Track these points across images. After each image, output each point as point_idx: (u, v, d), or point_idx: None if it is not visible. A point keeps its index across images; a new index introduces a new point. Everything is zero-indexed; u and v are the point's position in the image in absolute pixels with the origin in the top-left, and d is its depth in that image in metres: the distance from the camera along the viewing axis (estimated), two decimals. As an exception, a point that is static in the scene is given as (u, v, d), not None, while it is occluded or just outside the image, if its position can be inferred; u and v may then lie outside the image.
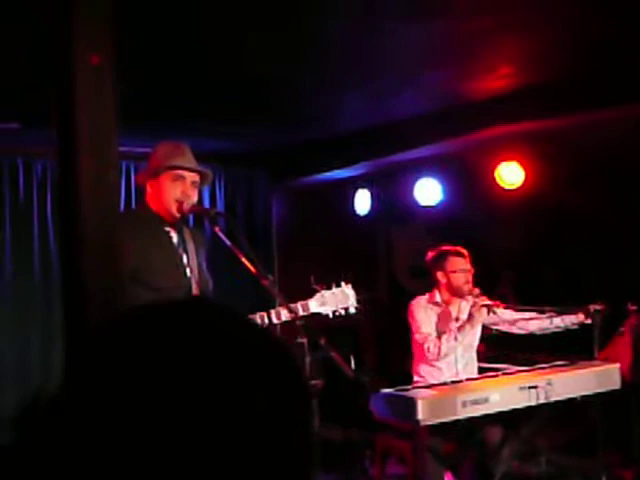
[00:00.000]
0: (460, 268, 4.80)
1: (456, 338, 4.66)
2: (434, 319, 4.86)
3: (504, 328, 4.97)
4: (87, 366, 0.78)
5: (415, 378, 4.87)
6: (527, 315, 4.91)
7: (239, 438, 0.72)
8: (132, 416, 0.71)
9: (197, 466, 0.70)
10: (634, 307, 4.76)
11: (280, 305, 3.45)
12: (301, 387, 0.81)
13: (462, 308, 4.88)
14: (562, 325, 4.79)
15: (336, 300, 3.72)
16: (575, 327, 4.74)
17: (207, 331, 0.78)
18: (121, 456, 0.70)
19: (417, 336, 4.82)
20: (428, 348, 4.73)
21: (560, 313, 4.74)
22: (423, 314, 4.84)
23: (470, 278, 4.81)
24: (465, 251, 4.86)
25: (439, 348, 4.69)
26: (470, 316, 4.65)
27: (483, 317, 4.72)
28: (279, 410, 0.76)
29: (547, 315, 4.82)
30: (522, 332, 4.95)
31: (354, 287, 3.85)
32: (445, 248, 4.90)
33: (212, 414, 0.72)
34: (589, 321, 4.62)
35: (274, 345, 0.82)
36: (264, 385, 0.76)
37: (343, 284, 3.77)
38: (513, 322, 4.93)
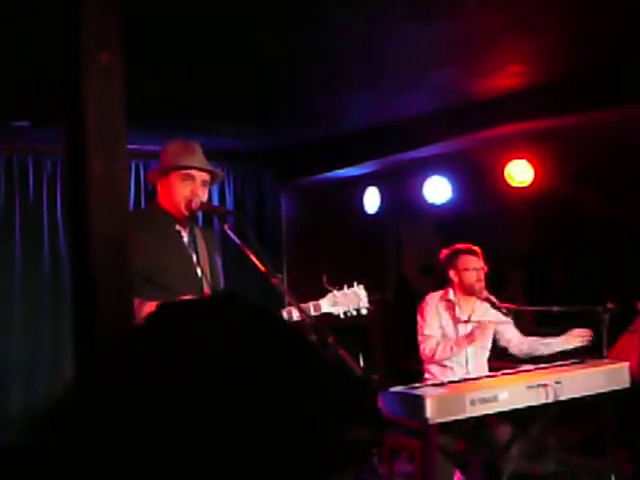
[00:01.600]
0: (472, 266, 4.81)
1: (452, 349, 4.70)
2: (444, 316, 4.89)
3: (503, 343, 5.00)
4: (117, 363, 0.78)
5: (425, 376, 4.89)
6: (524, 339, 4.94)
7: (263, 442, 0.72)
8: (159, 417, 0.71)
9: (228, 464, 0.70)
10: (643, 305, 4.76)
11: (290, 304, 3.45)
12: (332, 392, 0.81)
13: (476, 308, 4.89)
14: (549, 351, 4.82)
15: (348, 301, 3.72)
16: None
17: (241, 331, 0.78)
18: (144, 456, 0.70)
19: (419, 337, 4.89)
20: (424, 349, 4.83)
21: (568, 312, 4.73)
22: (433, 315, 4.88)
23: (482, 276, 4.82)
24: (478, 249, 4.88)
25: (433, 353, 4.78)
26: (471, 334, 4.69)
27: (486, 337, 4.77)
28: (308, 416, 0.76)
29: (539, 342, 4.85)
30: (516, 352, 4.97)
31: (366, 287, 3.85)
32: (458, 246, 4.93)
33: (244, 418, 0.72)
34: (577, 343, 4.66)
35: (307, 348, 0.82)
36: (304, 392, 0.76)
37: (355, 284, 3.77)
38: (509, 341, 4.96)
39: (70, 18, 2.03)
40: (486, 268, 4.87)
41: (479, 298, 4.86)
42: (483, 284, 4.81)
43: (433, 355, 4.78)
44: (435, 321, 4.88)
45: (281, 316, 3.19)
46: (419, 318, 4.92)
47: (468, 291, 4.85)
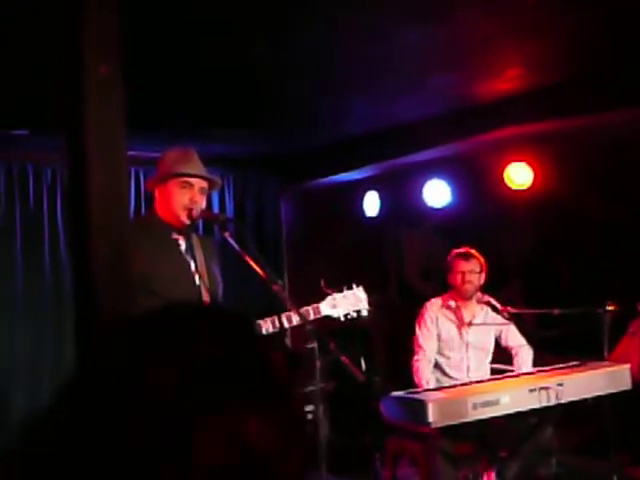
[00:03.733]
0: (460, 269, 4.90)
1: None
2: (445, 324, 4.94)
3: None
4: (93, 370, 0.79)
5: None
6: (515, 352, 5.02)
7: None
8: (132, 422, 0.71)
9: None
10: (644, 307, 4.76)
11: (290, 310, 3.46)
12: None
13: (476, 313, 4.93)
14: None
15: (348, 303, 3.73)
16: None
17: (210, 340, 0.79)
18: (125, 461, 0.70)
19: (415, 347, 5.00)
20: (413, 360, 4.95)
21: (569, 315, 4.74)
22: (430, 324, 4.94)
23: (472, 279, 4.87)
24: (474, 253, 4.93)
25: (416, 369, 4.90)
26: None
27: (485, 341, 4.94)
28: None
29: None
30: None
31: (365, 289, 3.86)
32: (455, 251, 4.99)
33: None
34: None
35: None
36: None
37: (355, 287, 3.78)
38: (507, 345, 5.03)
39: (70, 28, 2.04)
40: (483, 272, 4.91)
41: (479, 302, 4.90)
42: (470, 287, 4.88)
43: (416, 370, 4.91)
44: (432, 332, 4.95)
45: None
46: (416, 327, 5.01)
47: (459, 294, 4.91)
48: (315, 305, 3.64)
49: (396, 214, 7.40)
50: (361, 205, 7.26)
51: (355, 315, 3.75)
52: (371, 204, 7.23)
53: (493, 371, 4.99)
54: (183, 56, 4.15)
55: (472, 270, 4.88)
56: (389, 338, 7.35)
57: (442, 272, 5.13)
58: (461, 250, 4.99)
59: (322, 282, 3.72)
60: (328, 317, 3.68)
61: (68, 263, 6.31)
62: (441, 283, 5.34)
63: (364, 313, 3.79)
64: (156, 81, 4.47)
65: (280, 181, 7.48)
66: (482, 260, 4.94)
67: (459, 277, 4.90)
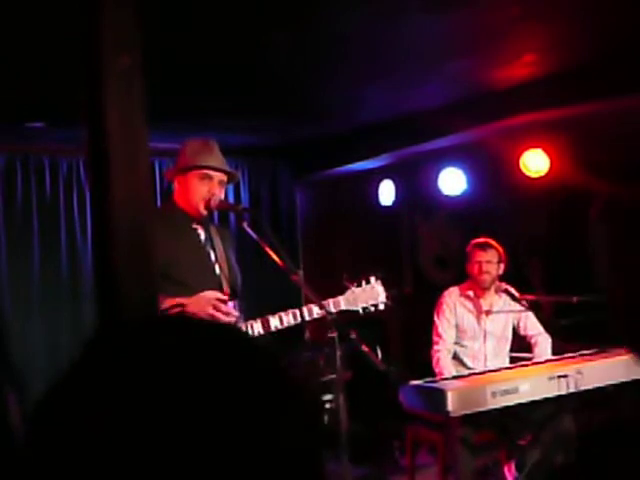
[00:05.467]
0: (477, 260, 4.90)
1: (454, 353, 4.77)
2: (463, 312, 4.93)
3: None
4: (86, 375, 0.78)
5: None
6: (534, 340, 4.99)
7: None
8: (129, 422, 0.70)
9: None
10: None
11: (310, 300, 3.46)
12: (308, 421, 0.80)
13: (494, 302, 4.93)
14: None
15: (366, 297, 3.73)
16: None
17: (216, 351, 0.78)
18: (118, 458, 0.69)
19: (434, 336, 4.99)
20: (433, 350, 4.93)
21: (587, 302, 4.72)
22: (449, 314, 4.94)
23: (489, 269, 4.86)
24: (493, 243, 4.92)
25: (436, 359, 4.89)
26: None
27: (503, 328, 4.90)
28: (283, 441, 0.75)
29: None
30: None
31: (380, 279, 3.86)
32: (474, 241, 4.98)
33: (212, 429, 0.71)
34: None
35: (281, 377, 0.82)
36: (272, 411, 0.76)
37: (373, 280, 3.77)
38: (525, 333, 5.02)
39: (89, 20, 2.03)
40: (502, 262, 4.90)
41: (497, 291, 4.89)
42: (487, 277, 4.87)
43: (436, 361, 4.89)
44: (451, 321, 4.95)
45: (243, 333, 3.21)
46: (435, 316, 5.00)
47: (477, 283, 4.91)
48: (335, 299, 3.65)
49: (411, 203, 7.39)
50: (376, 194, 7.24)
51: (373, 309, 3.76)
52: (386, 193, 7.21)
53: (512, 359, 4.98)
54: (199, 46, 4.14)
55: (489, 260, 4.87)
56: (404, 327, 7.35)
57: (457, 261, 5.12)
58: (480, 240, 4.98)
59: (344, 275, 3.72)
60: (346, 310, 3.68)
61: (84, 255, 6.34)
62: (456, 272, 5.33)
63: (381, 307, 3.80)
64: (171, 72, 4.46)
65: (295, 170, 7.48)
66: (501, 250, 4.93)
67: (476, 267, 4.90)
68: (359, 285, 3.73)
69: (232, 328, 0.87)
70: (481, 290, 4.92)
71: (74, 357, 0.82)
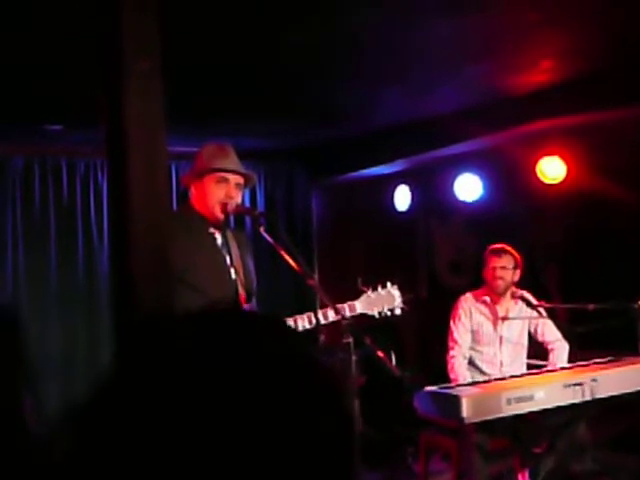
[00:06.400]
0: (492, 265, 4.88)
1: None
2: (479, 319, 4.91)
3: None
4: (128, 373, 0.79)
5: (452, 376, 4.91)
6: (551, 347, 4.96)
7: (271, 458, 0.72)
8: (169, 424, 0.71)
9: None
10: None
11: (325, 305, 3.46)
12: (342, 418, 0.81)
13: (510, 308, 4.90)
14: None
15: (382, 301, 3.73)
16: None
17: (249, 343, 0.78)
18: (160, 460, 0.70)
19: (449, 342, 4.96)
20: (448, 356, 4.91)
21: (603, 310, 4.70)
22: (465, 319, 4.92)
23: (504, 275, 4.84)
24: (509, 249, 4.90)
25: (451, 365, 4.87)
26: None
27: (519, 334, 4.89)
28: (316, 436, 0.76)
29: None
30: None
31: (395, 284, 3.86)
32: (491, 247, 4.96)
33: (247, 428, 0.72)
34: None
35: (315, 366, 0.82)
36: (304, 408, 0.76)
37: (389, 285, 3.78)
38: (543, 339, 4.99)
39: (109, 24, 2.04)
40: (518, 268, 4.87)
41: (513, 297, 4.87)
42: (501, 283, 4.85)
43: (451, 366, 4.88)
44: (466, 327, 4.93)
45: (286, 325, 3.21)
46: (450, 322, 4.98)
47: (492, 289, 4.89)
48: (351, 303, 3.65)
49: (427, 208, 7.38)
50: (392, 199, 7.24)
51: (389, 314, 3.75)
52: (402, 198, 7.21)
53: (528, 366, 4.96)
54: (216, 48, 4.15)
55: (504, 266, 4.85)
56: (419, 332, 7.33)
57: (472, 267, 5.10)
58: (496, 246, 4.95)
59: (359, 280, 3.73)
60: (362, 314, 3.69)
61: (101, 256, 6.36)
62: (471, 278, 5.31)
63: (398, 312, 3.80)
64: (187, 75, 4.47)
65: (311, 175, 7.48)
66: (517, 256, 4.89)
67: (490, 273, 4.88)
68: (375, 289, 3.73)
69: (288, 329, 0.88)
70: (497, 296, 4.90)
71: (119, 356, 0.82)
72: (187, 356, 0.76)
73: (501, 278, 4.85)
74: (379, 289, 3.75)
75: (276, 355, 0.78)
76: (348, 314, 3.57)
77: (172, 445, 0.70)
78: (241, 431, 0.71)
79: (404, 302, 3.81)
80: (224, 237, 3.56)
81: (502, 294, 4.89)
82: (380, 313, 3.73)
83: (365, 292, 3.70)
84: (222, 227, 3.56)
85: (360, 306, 3.67)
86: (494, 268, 4.86)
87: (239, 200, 3.53)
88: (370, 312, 3.70)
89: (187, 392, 0.72)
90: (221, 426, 0.71)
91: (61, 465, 0.75)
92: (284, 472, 0.72)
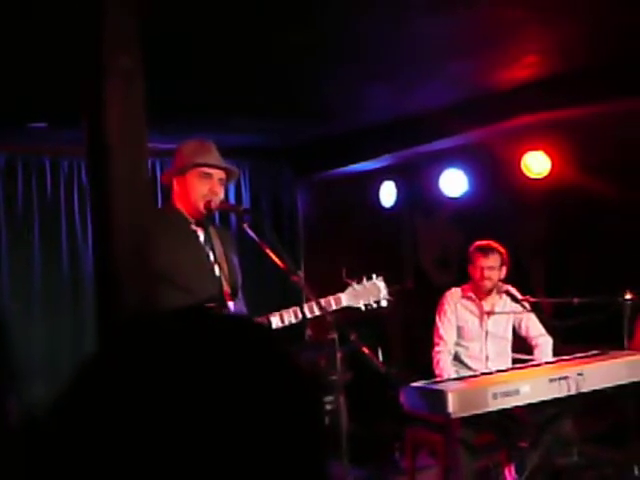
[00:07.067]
0: (479, 265, 4.87)
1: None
2: (465, 314, 4.92)
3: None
4: (99, 372, 0.79)
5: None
6: (535, 342, 4.98)
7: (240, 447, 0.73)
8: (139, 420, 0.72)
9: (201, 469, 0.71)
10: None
11: (310, 300, 3.46)
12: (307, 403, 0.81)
13: (495, 303, 4.92)
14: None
15: (368, 293, 3.73)
16: None
17: (220, 340, 0.79)
18: (127, 458, 0.71)
19: (435, 338, 4.97)
20: (434, 352, 4.92)
21: (588, 304, 4.71)
22: (450, 314, 4.92)
23: (491, 275, 4.83)
24: (497, 247, 4.88)
25: (437, 361, 4.88)
26: None
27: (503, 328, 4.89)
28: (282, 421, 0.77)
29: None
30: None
31: (384, 279, 3.86)
32: (477, 243, 4.94)
33: (217, 421, 0.73)
34: None
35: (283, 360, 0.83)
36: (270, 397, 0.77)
37: (374, 277, 3.78)
38: (526, 334, 5.02)
39: (90, 21, 2.03)
40: (504, 265, 4.88)
41: (498, 292, 4.88)
42: (489, 283, 4.85)
43: (436, 362, 4.89)
44: (452, 322, 4.94)
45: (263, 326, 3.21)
46: (436, 317, 4.99)
47: (477, 287, 4.89)
48: (336, 295, 3.65)
49: (412, 204, 7.39)
50: (377, 195, 7.25)
51: (375, 305, 3.75)
52: (387, 194, 7.21)
53: (513, 361, 4.98)
54: (200, 46, 4.14)
55: (491, 267, 4.84)
56: (405, 327, 7.35)
57: (458, 262, 5.11)
58: (482, 243, 4.92)
59: (343, 272, 3.73)
60: (348, 307, 3.68)
61: (85, 255, 6.33)
62: (457, 273, 5.32)
63: (384, 303, 3.79)
64: (171, 72, 4.46)
65: (296, 171, 7.47)
66: (503, 253, 4.88)
67: (478, 272, 4.86)
68: (360, 282, 3.73)
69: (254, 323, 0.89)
70: (482, 292, 4.92)
71: (97, 350, 0.83)
72: (161, 354, 0.77)
73: (489, 278, 4.85)
74: (364, 281, 3.75)
75: (244, 354, 0.79)
76: (334, 307, 3.56)
77: (147, 439, 0.71)
78: (212, 427, 0.72)
79: (390, 293, 3.81)
80: (207, 234, 3.54)
81: (488, 293, 4.91)
82: (366, 305, 3.73)
83: (350, 285, 3.69)
84: (205, 224, 3.55)
85: (345, 299, 3.67)
86: (482, 268, 4.85)
87: (222, 195, 3.52)
88: (356, 304, 3.70)
89: (161, 387, 0.73)
90: (193, 420, 0.72)
91: (42, 459, 0.75)
92: (255, 469, 0.73)
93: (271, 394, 0.77)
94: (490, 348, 4.91)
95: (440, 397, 3.78)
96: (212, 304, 3.27)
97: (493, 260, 4.85)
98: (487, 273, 4.84)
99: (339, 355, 3.27)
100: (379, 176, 7.22)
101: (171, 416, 0.72)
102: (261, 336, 0.84)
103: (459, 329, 4.94)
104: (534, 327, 4.96)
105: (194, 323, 0.81)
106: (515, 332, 5.02)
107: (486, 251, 4.86)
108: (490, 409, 3.87)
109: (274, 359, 0.81)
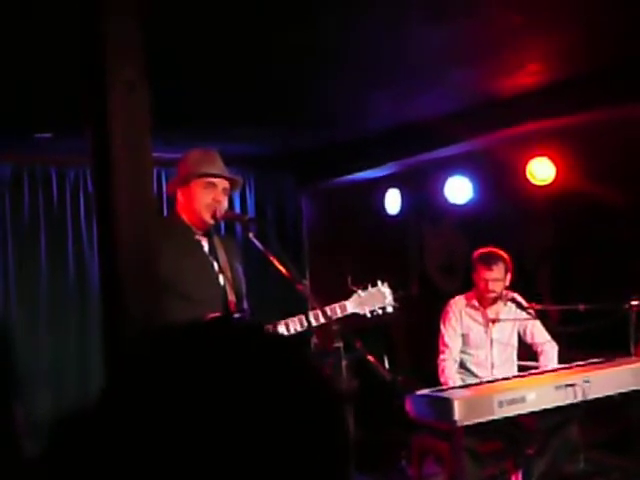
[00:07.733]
0: (483, 277, 4.83)
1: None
2: (469, 322, 4.91)
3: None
4: (123, 383, 0.79)
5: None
6: (541, 349, 4.96)
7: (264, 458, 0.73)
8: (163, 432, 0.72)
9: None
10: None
11: (315, 309, 3.46)
12: (332, 411, 0.82)
13: (500, 310, 4.90)
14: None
15: (373, 300, 3.73)
16: None
17: (240, 352, 0.79)
18: (155, 468, 0.71)
19: (440, 345, 4.96)
20: (439, 359, 4.92)
21: (595, 310, 4.70)
22: (455, 323, 4.91)
23: (495, 287, 4.80)
24: (501, 256, 4.83)
25: (442, 369, 4.87)
26: None
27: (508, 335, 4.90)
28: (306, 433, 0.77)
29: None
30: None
31: (390, 286, 3.86)
32: (481, 252, 4.89)
33: (241, 433, 0.73)
34: None
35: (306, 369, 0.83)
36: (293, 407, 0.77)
37: (379, 283, 3.78)
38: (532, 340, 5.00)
39: (94, 33, 2.04)
40: (508, 273, 4.84)
41: (504, 299, 4.87)
42: (493, 294, 4.81)
43: (442, 370, 4.88)
44: (457, 330, 4.93)
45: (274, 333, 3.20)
46: (441, 325, 4.97)
47: (481, 297, 4.87)
48: (341, 303, 3.65)
49: (417, 211, 7.39)
50: (382, 203, 7.25)
51: (381, 312, 3.75)
52: (392, 202, 7.22)
53: (519, 368, 4.96)
54: (199, 57, 4.15)
55: (496, 278, 4.79)
56: (410, 334, 7.34)
57: (463, 268, 5.09)
58: (485, 251, 4.87)
59: (349, 279, 3.73)
60: (354, 314, 3.68)
61: (91, 265, 6.35)
62: (462, 279, 5.31)
63: (389, 310, 3.79)
64: (173, 82, 4.47)
65: (300, 180, 7.48)
66: (508, 260, 4.82)
67: (482, 284, 4.82)
68: (365, 289, 3.73)
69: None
70: (487, 301, 4.90)
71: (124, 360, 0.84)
72: (178, 369, 0.77)
73: (493, 290, 4.81)
74: (369, 288, 3.75)
75: (266, 363, 0.79)
76: (339, 314, 3.57)
77: (163, 456, 0.71)
78: (235, 440, 0.72)
79: (395, 299, 3.81)
80: (211, 244, 3.55)
81: (493, 303, 4.89)
82: (372, 312, 3.73)
83: (355, 292, 3.69)
84: (209, 233, 3.56)
85: (351, 306, 3.67)
86: (486, 280, 4.81)
87: (226, 205, 3.53)
88: (361, 311, 3.70)
89: (179, 403, 0.73)
90: (214, 435, 0.72)
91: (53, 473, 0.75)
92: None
93: (299, 409, 0.77)
94: (495, 355, 4.90)
95: (446, 405, 3.78)
96: (217, 313, 3.28)
97: (497, 272, 4.79)
98: (492, 285, 4.79)
99: (345, 363, 3.27)
100: (384, 184, 7.22)
101: (197, 442, 0.71)
102: (289, 351, 0.83)
103: (464, 337, 4.93)
104: (539, 333, 4.94)
105: (202, 339, 0.81)
106: (520, 339, 5.00)
107: (489, 263, 4.80)
108: (496, 417, 3.86)
109: (303, 376, 0.81)
